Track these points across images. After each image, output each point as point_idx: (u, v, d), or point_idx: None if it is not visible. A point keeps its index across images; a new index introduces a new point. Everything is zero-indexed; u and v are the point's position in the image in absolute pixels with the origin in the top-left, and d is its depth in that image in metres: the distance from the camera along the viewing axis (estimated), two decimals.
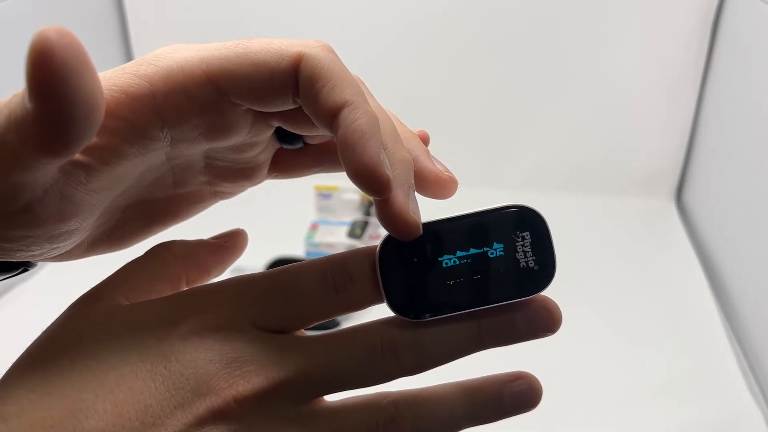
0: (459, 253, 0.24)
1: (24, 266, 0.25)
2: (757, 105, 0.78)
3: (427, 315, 0.24)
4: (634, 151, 1.01)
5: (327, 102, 0.21)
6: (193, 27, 1.01)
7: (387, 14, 0.97)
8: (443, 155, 0.27)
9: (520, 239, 0.24)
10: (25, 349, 0.23)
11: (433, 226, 0.24)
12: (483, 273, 0.24)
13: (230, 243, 0.28)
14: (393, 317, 0.24)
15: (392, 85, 1.01)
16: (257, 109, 0.23)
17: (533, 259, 0.24)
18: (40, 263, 0.25)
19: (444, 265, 0.24)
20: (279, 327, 0.24)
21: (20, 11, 0.78)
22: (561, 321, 0.24)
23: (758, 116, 0.77)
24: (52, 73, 0.17)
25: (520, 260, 0.24)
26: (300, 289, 0.24)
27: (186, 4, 1.00)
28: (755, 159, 0.77)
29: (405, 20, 0.98)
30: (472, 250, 0.24)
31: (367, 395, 0.24)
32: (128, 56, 1.00)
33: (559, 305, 0.24)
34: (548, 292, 0.24)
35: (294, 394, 0.23)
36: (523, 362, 0.26)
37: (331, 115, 0.21)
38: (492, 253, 0.24)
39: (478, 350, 0.24)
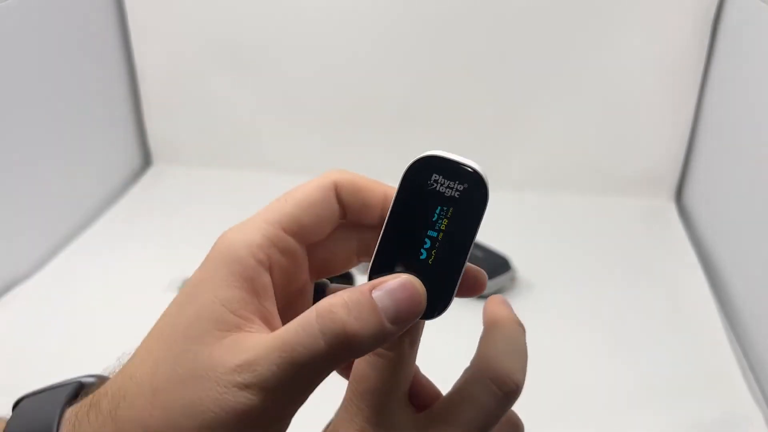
0: (430, 233, 0.25)
1: None
2: (757, 105, 0.78)
3: (442, 306, 0.25)
4: (634, 151, 1.01)
5: None
6: (194, 27, 1.01)
7: (386, 12, 0.97)
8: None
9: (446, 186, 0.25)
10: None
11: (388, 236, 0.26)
12: (445, 235, 0.25)
13: None
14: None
15: (390, 84, 1.01)
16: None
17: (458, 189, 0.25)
18: None
19: (425, 244, 0.25)
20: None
21: (20, 11, 0.78)
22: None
23: (759, 116, 0.77)
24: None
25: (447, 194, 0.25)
26: None
27: (187, 3, 1.00)
28: (756, 159, 0.77)
29: (403, 19, 0.98)
30: (430, 230, 0.25)
31: None
32: (128, 56, 1.00)
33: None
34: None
35: None
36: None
37: None
38: (439, 216, 0.25)
39: None
